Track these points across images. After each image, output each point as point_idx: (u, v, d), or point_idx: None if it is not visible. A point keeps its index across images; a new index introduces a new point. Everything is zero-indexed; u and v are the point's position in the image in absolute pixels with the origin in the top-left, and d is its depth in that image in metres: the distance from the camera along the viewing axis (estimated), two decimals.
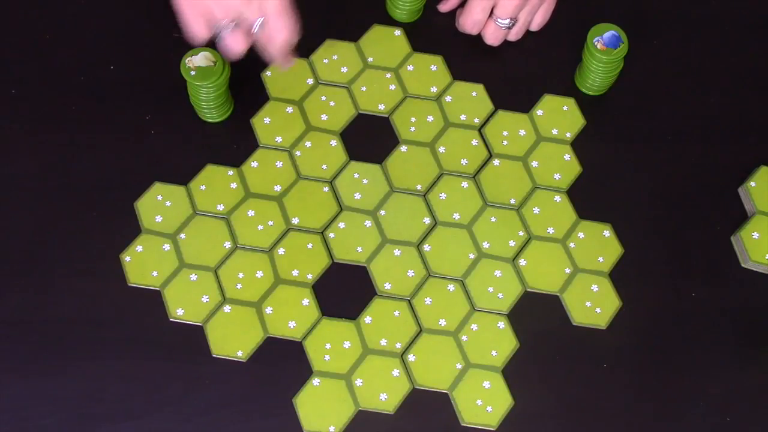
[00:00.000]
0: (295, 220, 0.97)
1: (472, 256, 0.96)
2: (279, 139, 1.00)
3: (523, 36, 1.06)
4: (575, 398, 0.91)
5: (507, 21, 1.03)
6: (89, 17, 1.05)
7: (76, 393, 0.88)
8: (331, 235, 0.96)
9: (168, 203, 0.97)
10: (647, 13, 1.10)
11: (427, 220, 0.97)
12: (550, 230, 0.98)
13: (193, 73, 0.95)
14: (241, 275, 0.94)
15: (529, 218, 0.98)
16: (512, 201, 0.99)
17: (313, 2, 1.07)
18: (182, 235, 0.95)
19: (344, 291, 0.94)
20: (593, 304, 0.95)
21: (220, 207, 0.97)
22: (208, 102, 0.98)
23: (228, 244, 0.95)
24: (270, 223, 0.96)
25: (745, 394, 0.92)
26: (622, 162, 1.02)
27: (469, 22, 1.04)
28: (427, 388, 0.91)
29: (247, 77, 1.03)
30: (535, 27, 1.06)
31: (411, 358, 0.91)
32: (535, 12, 1.05)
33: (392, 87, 1.04)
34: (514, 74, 1.05)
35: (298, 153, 1.00)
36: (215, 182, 0.98)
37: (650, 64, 1.07)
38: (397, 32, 1.07)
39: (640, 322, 0.94)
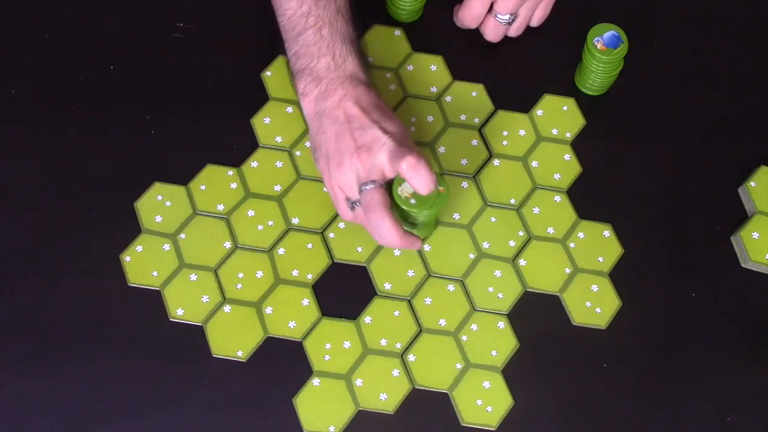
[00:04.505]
0: (295, 220, 0.97)
1: (472, 256, 0.96)
2: (279, 139, 1.00)
3: (523, 36, 1.06)
4: (575, 398, 0.91)
5: (507, 16, 1.03)
6: (89, 17, 1.05)
7: (76, 393, 0.88)
8: (331, 235, 0.96)
9: (168, 203, 0.97)
10: (647, 13, 1.10)
11: None
12: (550, 230, 0.98)
13: (413, 201, 0.89)
14: (241, 275, 0.94)
15: (529, 218, 0.98)
16: (512, 201, 0.99)
17: None
18: (182, 235, 0.95)
19: (344, 291, 0.94)
20: (593, 304, 0.94)
21: (220, 207, 0.97)
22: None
23: (228, 244, 0.95)
24: (270, 223, 0.96)
25: (745, 394, 0.92)
26: (622, 162, 1.02)
27: (468, 16, 1.03)
28: (427, 388, 0.91)
29: (247, 77, 1.03)
30: (535, 23, 1.06)
31: (411, 358, 0.91)
32: (535, 8, 1.04)
33: (392, 87, 1.04)
34: (514, 74, 1.05)
35: (298, 153, 1.00)
36: (215, 182, 0.98)
37: (650, 64, 1.07)
38: (397, 32, 1.07)
39: (640, 322, 0.94)
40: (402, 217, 0.91)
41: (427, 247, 0.96)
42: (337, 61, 0.92)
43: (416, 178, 0.86)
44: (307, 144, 1.00)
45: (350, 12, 0.95)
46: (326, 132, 0.91)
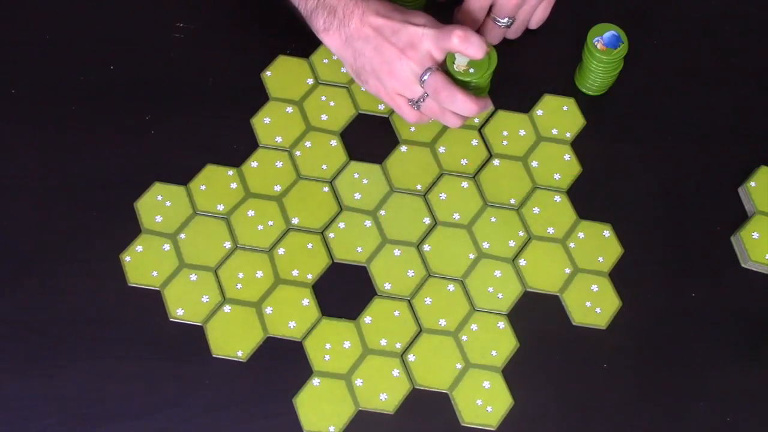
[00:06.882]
0: (295, 220, 0.97)
1: (472, 256, 0.96)
2: (279, 139, 1.00)
3: (523, 36, 1.06)
4: (575, 398, 0.91)
5: (506, 20, 1.03)
6: (89, 17, 1.05)
7: (77, 393, 0.88)
8: (331, 235, 0.96)
9: (168, 203, 0.97)
10: (647, 13, 1.10)
11: (427, 220, 0.97)
12: (550, 230, 0.98)
13: (472, 70, 0.93)
14: (241, 275, 0.94)
15: (529, 218, 0.98)
16: (512, 201, 0.99)
17: None
18: (182, 235, 0.95)
19: (344, 291, 0.94)
20: (593, 304, 0.95)
21: (220, 207, 0.97)
22: None
23: (228, 244, 0.95)
24: (270, 223, 0.96)
25: (745, 394, 0.92)
26: (622, 162, 1.02)
27: (467, 19, 1.04)
28: (427, 388, 0.91)
29: (247, 77, 1.03)
30: (533, 25, 1.06)
31: (411, 358, 0.91)
32: (533, 11, 1.04)
33: None
34: (514, 74, 1.05)
35: (298, 153, 1.00)
36: (215, 182, 0.98)
37: (650, 64, 1.07)
38: None
39: (640, 322, 0.94)
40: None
41: (427, 247, 0.96)
42: None
43: (470, 47, 0.90)
44: (307, 143, 1.00)
45: None
46: (363, 53, 0.94)
